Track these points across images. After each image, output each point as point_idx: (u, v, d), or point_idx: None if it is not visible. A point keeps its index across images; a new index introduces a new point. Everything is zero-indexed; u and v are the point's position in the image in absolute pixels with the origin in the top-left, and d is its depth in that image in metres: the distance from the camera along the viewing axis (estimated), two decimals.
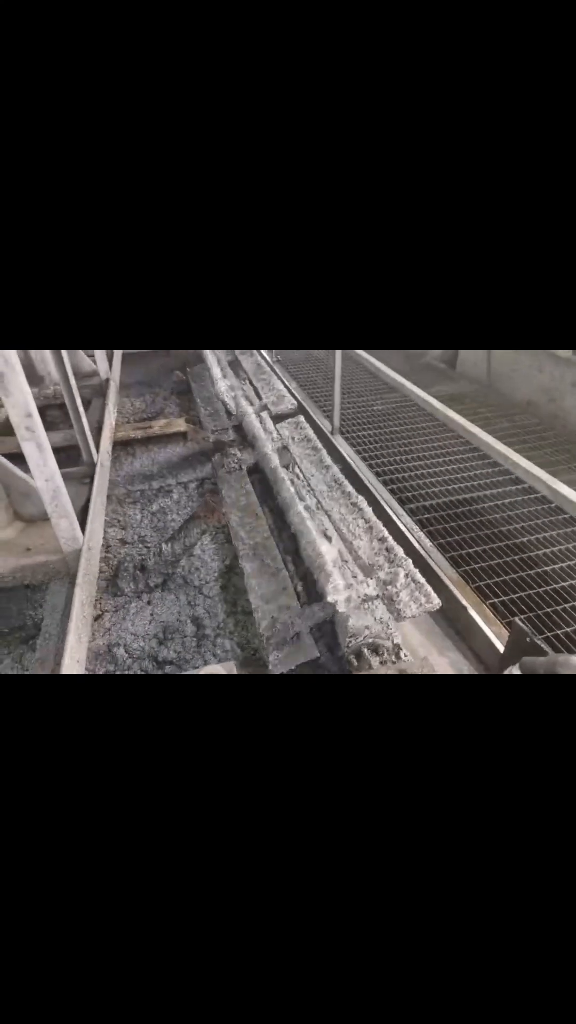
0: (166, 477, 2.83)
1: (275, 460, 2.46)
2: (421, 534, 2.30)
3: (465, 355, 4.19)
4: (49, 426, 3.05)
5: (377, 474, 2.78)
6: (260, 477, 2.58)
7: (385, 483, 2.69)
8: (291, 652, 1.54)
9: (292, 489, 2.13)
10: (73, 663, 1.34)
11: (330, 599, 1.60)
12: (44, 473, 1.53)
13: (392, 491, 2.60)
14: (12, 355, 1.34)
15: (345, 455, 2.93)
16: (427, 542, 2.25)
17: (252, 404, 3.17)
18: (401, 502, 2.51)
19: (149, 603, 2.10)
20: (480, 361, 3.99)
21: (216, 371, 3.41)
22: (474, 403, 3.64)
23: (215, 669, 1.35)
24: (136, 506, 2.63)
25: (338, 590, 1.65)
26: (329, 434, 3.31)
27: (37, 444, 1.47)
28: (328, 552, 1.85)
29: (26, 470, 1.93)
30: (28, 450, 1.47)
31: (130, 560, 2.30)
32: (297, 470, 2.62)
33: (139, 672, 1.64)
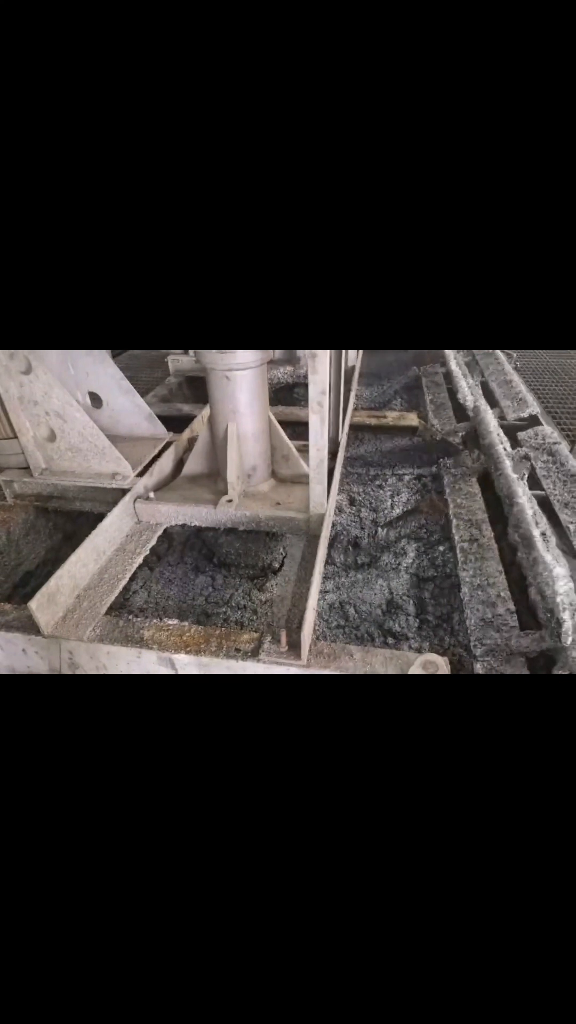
0: (387, 467, 2.95)
1: (510, 472, 2.35)
2: None
3: None
4: (298, 401, 3.45)
5: None
6: (489, 486, 2.50)
7: None
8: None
9: (530, 512, 2.03)
10: (310, 610, 1.55)
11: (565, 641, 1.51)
12: (318, 443, 1.77)
13: None
14: None
15: None
16: None
17: (488, 407, 3.06)
18: None
19: (361, 577, 2.26)
20: None
21: (455, 368, 3.36)
22: None
23: (435, 659, 1.42)
24: (359, 488, 2.82)
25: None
26: (570, 453, 3.00)
27: (321, 418, 1.71)
28: (567, 593, 1.73)
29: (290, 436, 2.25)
30: (313, 421, 1.71)
31: (345, 535, 2.50)
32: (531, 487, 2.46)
33: (366, 635, 1.82)
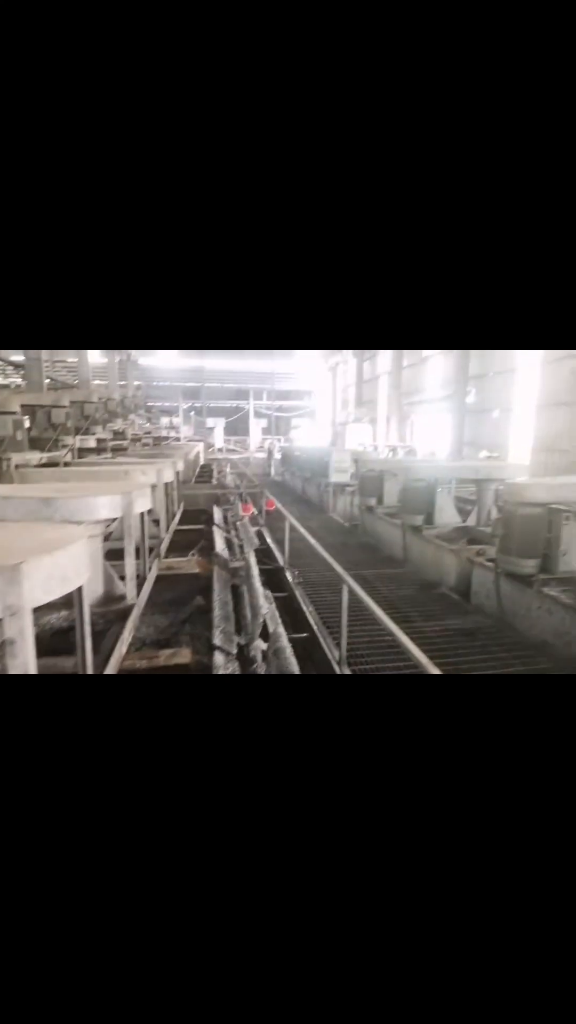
0: None
1: None
2: None
3: (477, 588, 4.30)
4: (66, 651, 3.25)
5: None
6: None
7: None
8: None
9: None
10: None
11: None
12: None
13: None
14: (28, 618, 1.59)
15: None
16: None
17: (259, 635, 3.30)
18: None
19: None
20: (492, 595, 4.06)
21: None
22: (488, 640, 3.58)
23: None
24: None
25: None
26: (336, 663, 3.28)
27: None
28: None
29: None
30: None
31: None
32: None
33: None
